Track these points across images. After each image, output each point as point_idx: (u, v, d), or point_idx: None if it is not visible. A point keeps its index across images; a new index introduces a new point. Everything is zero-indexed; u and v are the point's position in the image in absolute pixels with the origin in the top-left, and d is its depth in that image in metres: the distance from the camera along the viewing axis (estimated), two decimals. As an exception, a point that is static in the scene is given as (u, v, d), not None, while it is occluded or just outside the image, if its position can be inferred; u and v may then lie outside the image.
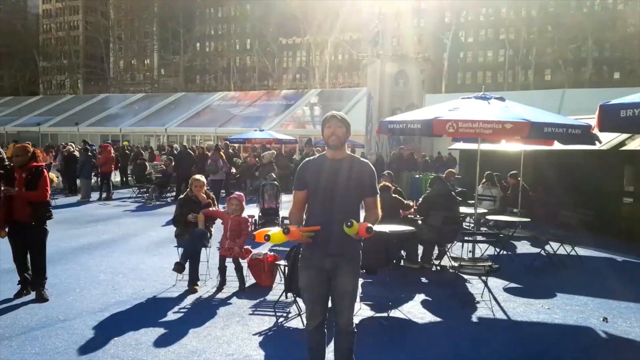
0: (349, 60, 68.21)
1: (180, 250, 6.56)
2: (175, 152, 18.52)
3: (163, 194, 16.02)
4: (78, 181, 16.14)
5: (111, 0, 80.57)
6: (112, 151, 16.71)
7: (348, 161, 3.53)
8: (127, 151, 21.93)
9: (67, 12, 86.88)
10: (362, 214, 3.62)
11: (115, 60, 76.78)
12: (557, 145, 8.79)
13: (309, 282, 3.54)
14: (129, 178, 19.52)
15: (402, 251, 7.74)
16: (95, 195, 15.63)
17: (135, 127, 35.91)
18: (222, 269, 6.51)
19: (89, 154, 15.90)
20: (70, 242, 9.00)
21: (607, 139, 10.59)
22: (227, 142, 20.86)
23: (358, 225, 3.22)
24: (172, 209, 13.19)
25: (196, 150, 17.84)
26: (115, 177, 18.82)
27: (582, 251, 8.66)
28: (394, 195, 7.90)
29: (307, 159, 3.73)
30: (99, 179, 16.56)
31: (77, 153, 16.44)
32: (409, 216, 8.12)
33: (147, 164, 18.38)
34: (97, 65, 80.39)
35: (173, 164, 15.93)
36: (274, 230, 3.41)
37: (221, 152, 15.18)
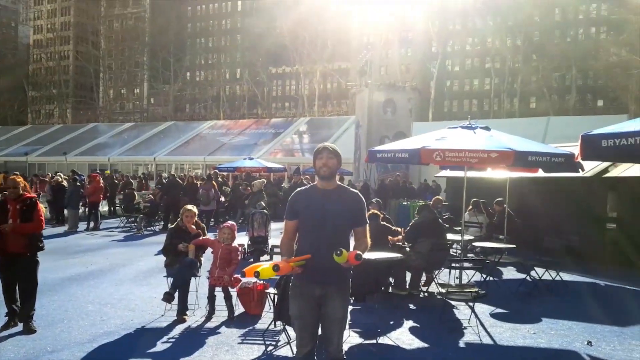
0: (338, 89, 69.01)
1: (170, 279, 6.58)
2: (164, 181, 18.55)
3: (151, 224, 15.99)
4: (65, 211, 16.08)
5: (102, 30, 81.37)
6: (101, 181, 16.71)
7: (338, 192, 3.63)
8: (116, 181, 21.93)
9: (57, 42, 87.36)
10: (352, 242, 3.70)
11: (105, 89, 77.09)
12: (541, 173, 9.00)
13: (299, 310, 3.60)
14: (117, 208, 19.46)
15: (390, 278, 7.80)
16: (82, 226, 15.56)
17: (123, 156, 35.92)
18: (212, 298, 6.53)
19: (77, 184, 15.89)
20: (58, 273, 8.96)
21: (591, 167, 10.81)
22: (217, 171, 20.95)
23: (347, 253, 3.30)
24: (160, 238, 13.23)
25: (185, 179, 17.87)
26: (103, 206, 18.76)
27: (566, 276, 8.77)
28: (382, 222, 8.00)
29: (298, 189, 3.81)
30: (86, 209, 16.51)
31: (65, 183, 16.41)
32: (397, 243, 8.21)
33: (135, 193, 18.36)
34: (87, 95, 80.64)
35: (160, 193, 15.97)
36: (265, 266, 3.47)
37: (213, 182, 15.25)
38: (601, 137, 5.54)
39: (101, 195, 16.51)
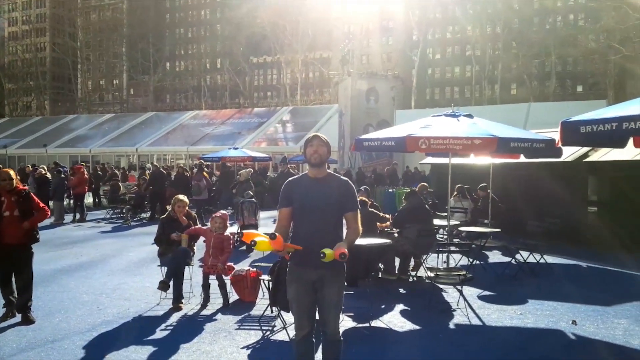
0: (320, 77, 68.93)
1: (164, 269, 6.67)
2: (148, 172, 18.50)
3: (138, 214, 15.99)
4: (51, 203, 15.97)
5: (79, 22, 79.99)
6: (85, 172, 16.62)
7: (329, 179, 3.78)
8: (100, 172, 21.80)
9: (33, 34, 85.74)
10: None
11: (84, 80, 75.91)
12: (523, 158, 9.25)
13: (296, 294, 3.74)
14: (102, 199, 19.38)
15: (380, 264, 7.97)
16: (68, 218, 15.50)
17: (105, 147, 35.61)
18: (206, 286, 6.64)
19: (62, 175, 15.79)
20: (49, 265, 8.97)
21: (571, 151, 11.09)
22: (202, 161, 20.92)
23: (332, 252, 3.42)
24: (148, 229, 13.31)
25: (169, 170, 17.85)
26: (88, 198, 18.68)
27: (550, 259, 9.03)
28: (370, 209, 8.15)
29: (290, 179, 3.94)
30: (71, 200, 16.43)
31: (48, 175, 16.29)
32: (386, 229, 8.39)
33: (120, 184, 18.30)
34: (65, 87, 79.45)
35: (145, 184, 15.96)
36: (261, 239, 3.60)
37: (205, 172, 15.27)
38: (579, 124, 5.72)
39: (86, 187, 16.42)
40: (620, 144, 6.40)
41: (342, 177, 3.89)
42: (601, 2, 41.68)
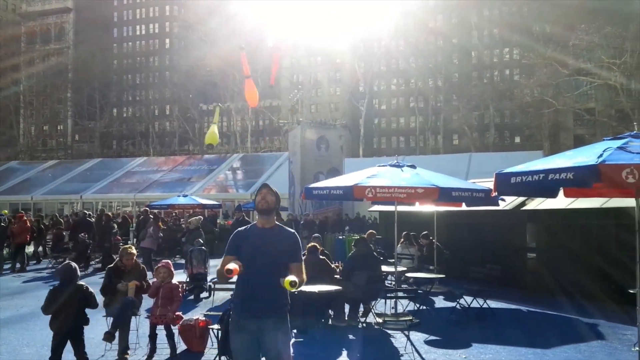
0: (270, 125, 69.60)
1: (109, 319, 6.55)
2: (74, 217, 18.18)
3: (82, 265, 15.49)
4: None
5: (23, 66, 78.25)
6: (28, 221, 16.07)
7: (277, 231, 3.93)
8: (43, 224, 21.04)
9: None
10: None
11: (26, 126, 73.73)
12: (465, 206, 9.71)
13: (239, 345, 3.78)
14: (46, 248, 18.67)
15: (330, 310, 8.08)
16: (7, 267, 14.85)
17: (48, 195, 34.42)
18: (153, 337, 6.54)
19: (2, 224, 15.21)
20: (-14, 318, 8.59)
21: (510, 200, 11.67)
22: (147, 209, 20.46)
23: (284, 280, 3.53)
24: (91, 279, 12.90)
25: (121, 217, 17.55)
26: (29, 248, 17.97)
27: (493, 303, 9.36)
28: (321, 257, 8.31)
29: (239, 228, 4.05)
30: (9, 249, 15.77)
31: None
32: (335, 276, 8.53)
33: (64, 233, 17.73)
34: (6, 132, 76.70)
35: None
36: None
37: (160, 223, 15.14)
38: (511, 175, 6.18)
39: (27, 236, 15.83)
40: (551, 194, 6.87)
41: (288, 228, 4.03)
42: (533, 59, 44.41)
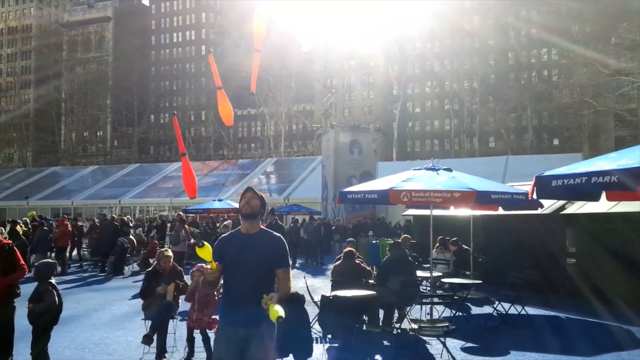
0: (303, 129, 69.97)
1: (148, 322, 6.66)
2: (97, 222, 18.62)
3: (121, 268, 15.81)
4: (33, 257, 15.74)
5: (64, 74, 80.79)
6: (69, 225, 16.52)
7: (261, 235, 3.78)
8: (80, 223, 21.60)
9: (18, 85, 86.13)
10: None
11: (67, 132, 76.04)
12: (502, 210, 9.51)
13: (224, 354, 3.65)
14: (85, 252, 19.16)
15: (364, 315, 8.03)
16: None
17: (87, 200, 35.38)
18: (191, 340, 6.63)
19: (45, 228, 15.66)
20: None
21: (548, 204, 11.39)
22: (181, 213, 20.72)
23: (274, 312, 3.29)
24: (130, 282, 13.19)
25: (156, 220, 17.88)
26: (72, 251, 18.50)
27: (531, 310, 9.16)
28: (357, 261, 8.27)
29: (222, 235, 4.00)
30: (53, 254, 16.23)
31: (19, 229, 15.92)
32: (370, 281, 8.48)
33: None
34: (48, 138, 79.27)
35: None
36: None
37: (186, 225, 15.32)
38: (552, 178, 6.01)
39: (69, 240, 16.28)
40: (593, 197, 6.67)
41: (274, 233, 3.86)
42: (572, 60, 43.42)
